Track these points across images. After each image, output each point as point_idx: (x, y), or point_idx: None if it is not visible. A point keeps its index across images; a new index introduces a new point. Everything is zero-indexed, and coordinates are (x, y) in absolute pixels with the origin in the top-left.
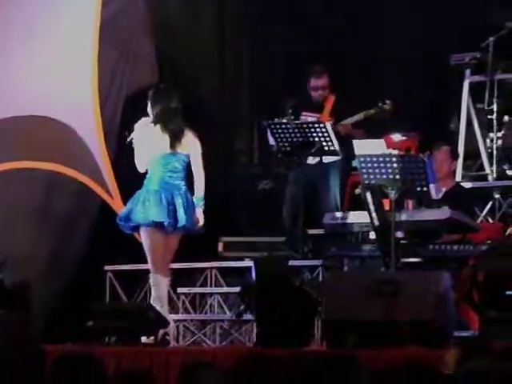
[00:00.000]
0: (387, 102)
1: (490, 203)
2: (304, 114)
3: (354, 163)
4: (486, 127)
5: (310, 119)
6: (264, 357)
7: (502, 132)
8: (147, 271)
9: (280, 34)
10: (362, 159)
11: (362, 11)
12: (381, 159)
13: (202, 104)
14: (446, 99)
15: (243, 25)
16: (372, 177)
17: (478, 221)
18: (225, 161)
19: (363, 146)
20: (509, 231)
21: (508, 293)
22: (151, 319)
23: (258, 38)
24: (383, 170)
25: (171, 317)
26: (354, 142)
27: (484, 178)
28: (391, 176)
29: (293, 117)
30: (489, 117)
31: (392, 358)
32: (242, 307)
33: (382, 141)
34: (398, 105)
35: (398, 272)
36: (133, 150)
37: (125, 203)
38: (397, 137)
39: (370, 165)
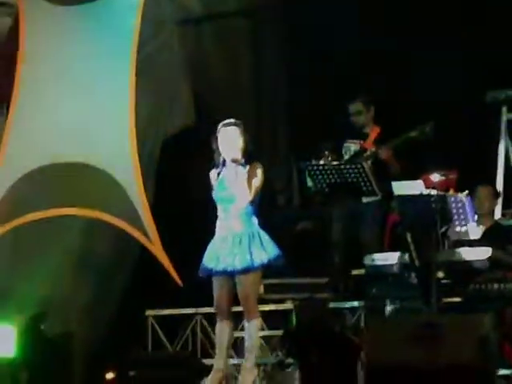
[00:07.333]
0: (427, 124)
1: None
2: (348, 141)
3: (393, 204)
4: None
5: (352, 147)
6: None
7: None
8: (188, 315)
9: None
10: (400, 200)
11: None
12: (419, 199)
13: None
14: (483, 137)
15: (281, 66)
16: (411, 217)
17: None
18: (263, 201)
19: (402, 187)
20: None
21: None
22: (193, 368)
23: (296, 77)
24: (422, 211)
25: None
26: (393, 183)
27: None
28: (431, 216)
29: (330, 158)
30: None
31: None
32: (284, 352)
33: (420, 181)
34: (437, 142)
35: (439, 315)
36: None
37: (164, 247)
38: (435, 176)
39: (408, 205)
